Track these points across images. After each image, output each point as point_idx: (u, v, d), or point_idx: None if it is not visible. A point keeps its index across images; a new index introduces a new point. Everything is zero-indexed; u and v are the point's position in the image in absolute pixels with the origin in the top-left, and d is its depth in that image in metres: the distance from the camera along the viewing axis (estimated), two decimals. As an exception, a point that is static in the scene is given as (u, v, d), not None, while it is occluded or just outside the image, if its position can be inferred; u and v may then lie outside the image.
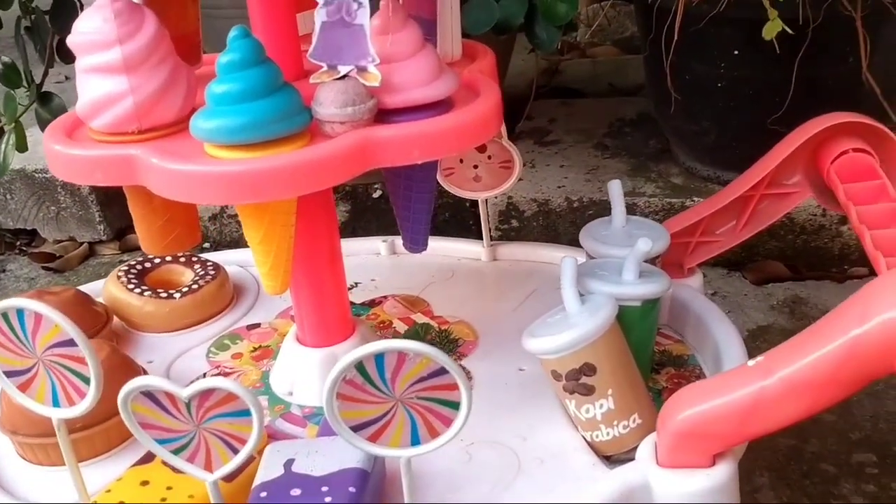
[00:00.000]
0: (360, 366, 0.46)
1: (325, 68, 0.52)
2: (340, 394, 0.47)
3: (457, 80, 0.55)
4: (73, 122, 0.57)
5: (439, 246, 0.83)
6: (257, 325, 0.75)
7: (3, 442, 0.63)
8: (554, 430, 0.60)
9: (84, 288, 0.78)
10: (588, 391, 0.57)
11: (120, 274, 0.76)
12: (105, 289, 0.76)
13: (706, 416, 0.50)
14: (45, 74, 1.05)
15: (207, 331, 0.75)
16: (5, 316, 0.49)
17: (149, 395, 0.46)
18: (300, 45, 0.60)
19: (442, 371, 0.46)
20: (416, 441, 0.48)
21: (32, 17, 1.04)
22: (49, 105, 1.01)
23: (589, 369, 0.56)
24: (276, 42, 0.57)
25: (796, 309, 1.11)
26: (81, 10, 0.66)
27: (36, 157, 1.36)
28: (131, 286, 0.74)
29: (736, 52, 1.05)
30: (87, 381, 0.50)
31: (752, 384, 0.48)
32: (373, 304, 0.77)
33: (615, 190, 0.67)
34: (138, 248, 1.41)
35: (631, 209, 1.19)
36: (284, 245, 0.55)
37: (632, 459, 0.57)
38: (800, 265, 1.17)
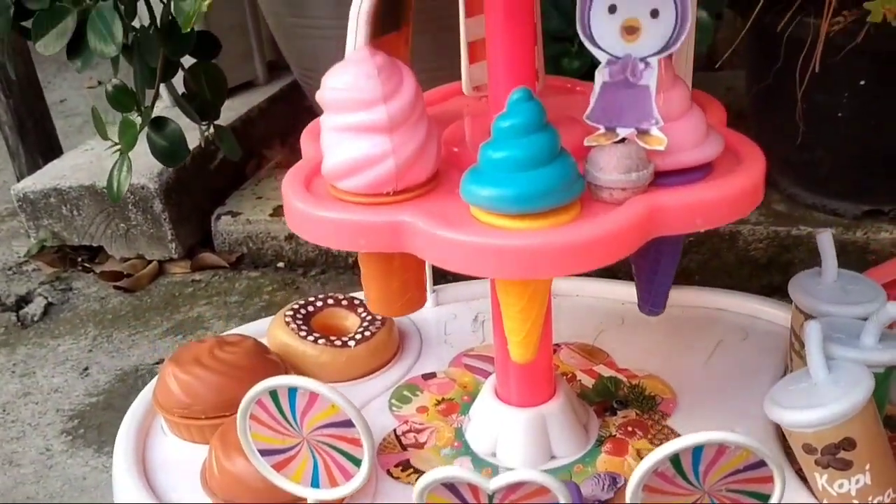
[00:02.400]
0: (675, 458, 0.44)
1: (602, 130, 0.50)
2: (648, 486, 0.44)
3: (722, 140, 0.52)
4: (307, 176, 0.54)
5: (600, 288, 0.81)
6: (433, 375, 0.73)
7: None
8: (794, 501, 0.57)
9: (246, 329, 0.75)
10: (845, 466, 0.54)
11: (288, 319, 0.73)
12: (272, 334, 0.73)
13: None
14: (156, 97, 1.01)
15: (383, 381, 0.72)
16: (273, 394, 0.46)
17: (449, 485, 0.44)
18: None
19: (760, 464, 0.44)
20: (713, 531, 0.46)
21: (136, 34, 1.00)
22: (163, 130, 0.98)
23: (849, 444, 0.54)
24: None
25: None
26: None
27: (104, 174, 1.31)
28: (303, 333, 0.71)
29: (862, 83, 1.03)
30: (357, 462, 0.47)
31: None
32: (547, 352, 0.74)
33: (826, 243, 0.65)
34: (210, 268, 1.38)
35: (734, 236, 1.17)
36: (542, 312, 0.52)
37: (883, 534, 0.55)
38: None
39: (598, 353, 0.73)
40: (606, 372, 0.71)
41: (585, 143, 0.50)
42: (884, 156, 1.05)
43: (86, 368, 1.14)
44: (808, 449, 0.55)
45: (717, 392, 0.67)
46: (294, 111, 1.63)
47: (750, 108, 1.23)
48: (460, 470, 0.43)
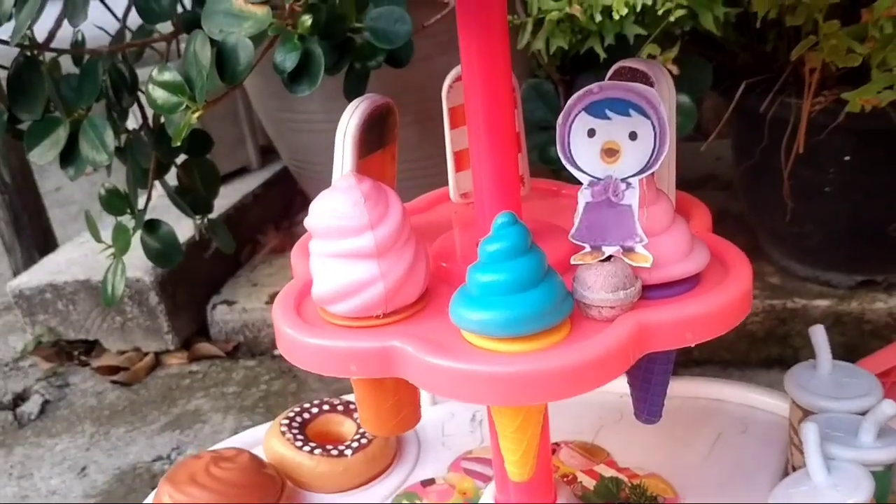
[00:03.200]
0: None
1: (587, 249, 0.50)
2: None
3: (707, 250, 0.52)
4: (297, 298, 0.54)
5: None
6: (432, 482, 0.72)
7: None
8: None
9: (239, 439, 0.74)
10: (851, 571, 0.54)
11: (283, 429, 0.72)
12: (268, 445, 0.72)
13: None
14: (149, 200, 1.02)
15: (381, 489, 0.71)
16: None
17: None
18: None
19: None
20: None
21: (129, 136, 1.01)
22: (157, 233, 0.98)
23: (853, 549, 0.53)
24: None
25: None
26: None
27: (100, 268, 1.32)
28: (299, 443, 0.71)
29: (847, 158, 1.05)
30: None
31: None
32: (546, 451, 0.74)
33: (819, 337, 0.65)
34: (207, 358, 1.38)
35: (730, 311, 1.17)
36: (537, 432, 0.52)
37: None
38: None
39: (598, 452, 0.73)
40: (607, 472, 0.71)
41: (572, 262, 0.50)
42: (872, 227, 1.06)
43: (83, 468, 1.13)
44: (814, 555, 0.55)
45: (718, 489, 0.66)
46: (287, 195, 1.65)
47: (738, 184, 1.24)
48: None
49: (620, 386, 0.78)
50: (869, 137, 1.00)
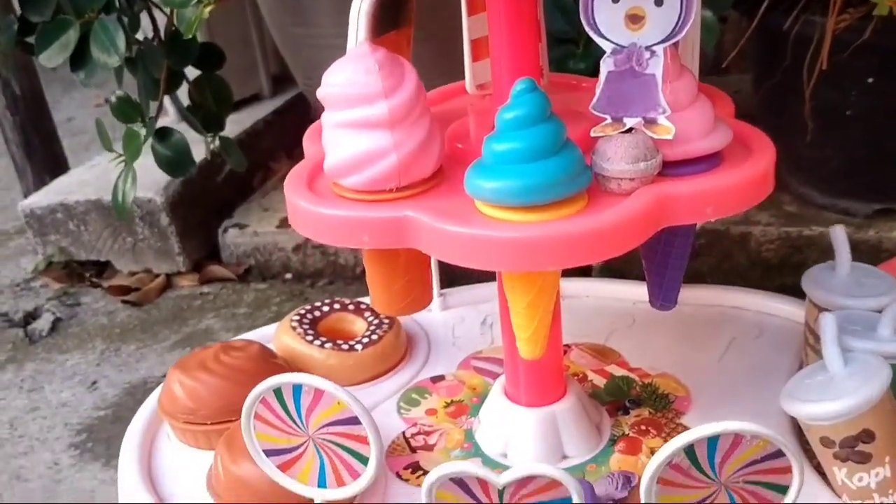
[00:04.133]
0: (689, 449, 0.43)
1: (608, 121, 0.49)
2: (662, 478, 0.43)
3: (730, 129, 0.51)
4: (309, 174, 0.53)
5: (609, 288, 0.80)
6: (441, 378, 0.72)
7: None
8: (813, 497, 0.56)
9: (252, 335, 0.74)
10: (864, 459, 0.53)
11: (294, 324, 0.72)
12: (278, 339, 0.72)
13: None
14: (160, 109, 1.01)
15: (391, 384, 0.71)
16: (278, 392, 0.46)
17: (458, 480, 0.43)
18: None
19: (778, 454, 0.43)
20: (730, 526, 0.45)
21: (140, 47, 1.00)
22: (168, 140, 0.97)
23: (867, 436, 0.53)
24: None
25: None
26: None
27: (111, 188, 1.32)
28: (309, 337, 0.70)
29: (870, 80, 1.02)
30: (364, 460, 0.46)
31: None
32: (558, 354, 0.73)
33: (839, 236, 0.64)
34: (218, 280, 1.37)
35: (745, 238, 1.16)
36: (550, 308, 0.51)
37: (904, 529, 0.54)
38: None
39: (609, 353, 0.72)
40: (618, 371, 0.70)
41: (592, 134, 0.49)
42: (893, 154, 1.04)
43: (94, 382, 1.13)
44: (826, 442, 0.54)
45: (731, 389, 0.66)
46: (300, 124, 1.62)
47: (758, 108, 1.22)
48: (470, 465, 0.42)
49: (633, 293, 0.78)
50: (893, 58, 0.98)
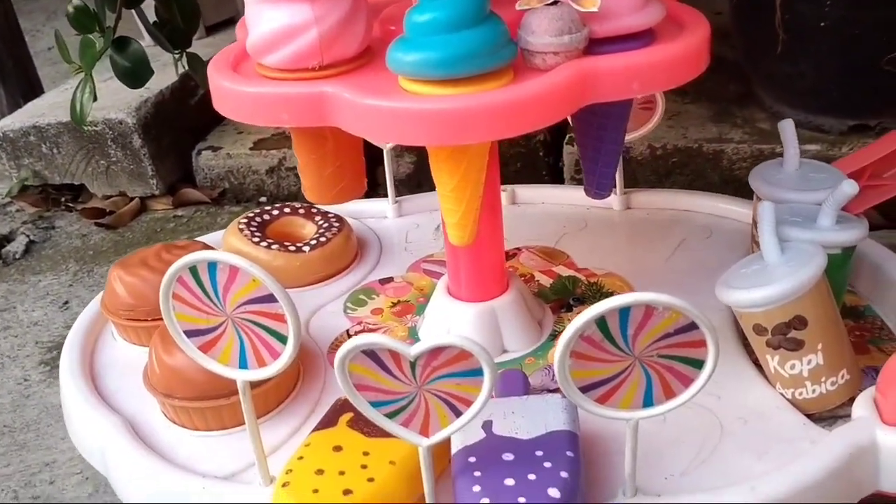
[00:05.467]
0: (601, 321, 0.42)
1: (533, -6, 0.47)
2: (575, 352, 0.43)
3: (663, 7, 0.50)
4: (235, 58, 0.52)
5: (564, 194, 0.79)
6: (390, 280, 0.71)
7: (151, 406, 0.59)
8: (748, 388, 0.56)
9: (203, 239, 0.74)
10: (796, 346, 0.53)
11: (241, 227, 0.71)
12: (226, 241, 0.71)
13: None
14: (118, 18, 0.99)
15: (339, 285, 0.70)
16: (193, 270, 0.45)
17: (370, 353, 0.42)
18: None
19: (691, 326, 0.42)
20: (648, 402, 0.44)
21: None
22: (126, 51, 0.95)
23: (799, 322, 0.52)
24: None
25: (893, 258, 1.07)
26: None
27: (85, 108, 1.30)
28: (256, 239, 0.70)
29: (844, -9, 1.00)
30: (282, 339, 0.46)
31: None
32: (507, 256, 0.73)
33: (788, 130, 0.63)
34: (192, 203, 1.37)
35: (718, 156, 1.15)
36: (477, 192, 0.50)
37: (837, 418, 0.54)
38: (893, 212, 1.13)
39: (558, 255, 0.72)
40: (565, 272, 0.70)
41: (517, 7, 0.48)
42: (867, 68, 1.02)
43: (66, 302, 1.13)
44: (759, 330, 0.54)
45: (676, 287, 0.64)
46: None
47: (733, 22, 1.20)
48: (380, 337, 0.42)
49: (586, 198, 0.77)
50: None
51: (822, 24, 1.03)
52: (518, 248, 0.74)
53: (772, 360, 0.54)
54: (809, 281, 0.52)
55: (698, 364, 0.43)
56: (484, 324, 0.61)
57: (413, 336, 0.64)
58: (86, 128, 1.34)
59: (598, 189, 0.60)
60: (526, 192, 0.80)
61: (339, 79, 0.48)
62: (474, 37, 0.45)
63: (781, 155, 1.02)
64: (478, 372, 0.42)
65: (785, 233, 0.56)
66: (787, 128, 0.63)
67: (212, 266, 0.45)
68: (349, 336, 0.65)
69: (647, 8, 0.49)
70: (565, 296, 0.67)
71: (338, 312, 0.67)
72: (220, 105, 0.50)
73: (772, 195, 0.62)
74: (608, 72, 0.46)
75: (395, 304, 0.68)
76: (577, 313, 0.64)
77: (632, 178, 1.19)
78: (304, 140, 0.54)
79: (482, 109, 0.44)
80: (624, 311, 0.42)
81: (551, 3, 0.47)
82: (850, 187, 0.55)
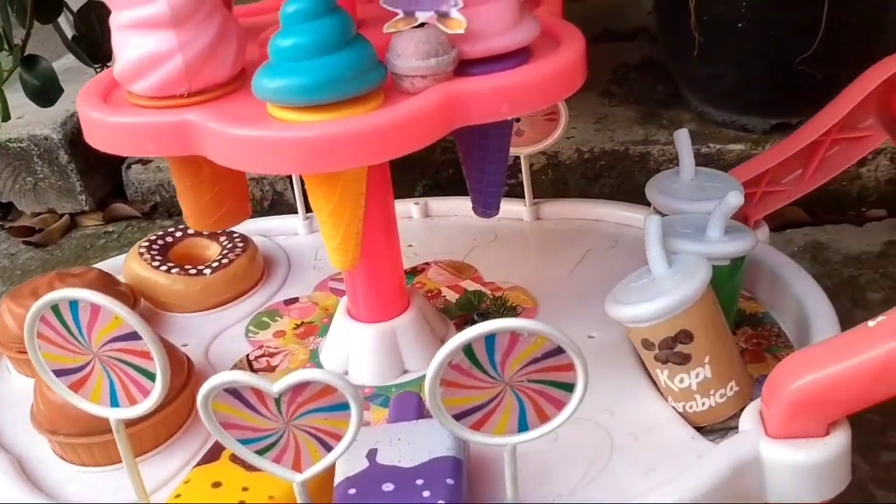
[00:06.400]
0: (468, 349, 0.42)
1: (400, 15, 0.47)
2: (445, 380, 0.42)
3: (537, 25, 0.49)
4: (107, 86, 0.51)
5: (475, 206, 0.79)
6: (295, 300, 0.70)
7: (41, 442, 0.57)
8: (640, 402, 0.56)
9: (101, 266, 0.72)
10: (683, 360, 0.53)
11: (142, 250, 0.70)
12: (126, 266, 0.70)
13: (827, 383, 0.46)
14: (28, 36, 0.97)
15: (242, 308, 0.69)
16: (55, 309, 0.44)
17: (232, 391, 0.41)
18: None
19: (558, 351, 0.42)
20: (523, 427, 0.44)
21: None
22: (35, 69, 0.94)
23: (685, 336, 0.52)
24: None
25: (818, 255, 1.09)
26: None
27: (9, 126, 1.27)
28: (156, 263, 0.68)
29: (760, -8, 1.01)
30: (151, 377, 0.45)
31: (879, 346, 0.45)
32: (415, 271, 0.72)
33: (683, 140, 0.63)
34: (123, 219, 1.34)
35: (645, 158, 1.15)
36: (356, 216, 0.49)
37: (728, 430, 0.54)
38: (817, 209, 1.15)
39: (465, 269, 0.71)
40: (472, 286, 0.69)
41: (384, 30, 0.47)
42: (785, 68, 1.03)
43: (-10, 324, 1.10)
44: (647, 344, 0.54)
45: (579, 299, 0.65)
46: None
47: (657, 25, 1.20)
48: (241, 374, 0.41)
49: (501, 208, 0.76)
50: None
51: (740, 25, 1.04)
52: (427, 263, 0.73)
53: (661, 375, 0.54)
54: (693, 295, 0.52)
55: (569, 387, 0.43)
56: (383, 345, 0.60)
57: (314, 359, 0.63)
58: (11, 144, 1.32)
59: (485, 208, 0.59)
60: (439, 204, 0.80)
61: (207, 106, 0.47)
62: (339, 61, 0.44)
63: (706, 155, 1.02)
64: (344, 406, 0.41)
65: (673, 245, 0.56)
66: (682, 137, 0.63)
67: (73, 304, 0.43)
68: (249, 362, 0.64)
69: (518, 27, 0.48)
70: (470, 311, 0.66)
71: (240, 337, 0.66)
72: (89, 136, 0.49)
73: (667, 206, 0.62)
74: (476, 94, 0.46)
75: (298, 326, 0.67)
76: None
77: (562, 181, 1.19)
78: (179, 166, 0.53)
79: (346, 136, 0.44)
80: (489, 338, 0.41)
81: (418, 26, 0.46)
82: (734, 199, 0.55)
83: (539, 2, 0.57)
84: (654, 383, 0.57)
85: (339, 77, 0.44)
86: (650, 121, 1.20)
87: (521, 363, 0.42)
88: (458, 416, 0.44)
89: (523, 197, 0.77)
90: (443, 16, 0.46)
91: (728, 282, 0.57)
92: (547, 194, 1.19)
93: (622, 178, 1.18)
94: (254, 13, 0.60)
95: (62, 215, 1.37)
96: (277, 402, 0.42)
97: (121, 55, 0.48)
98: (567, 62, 0.48)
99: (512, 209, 0.78)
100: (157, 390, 0.45)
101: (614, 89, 1.29)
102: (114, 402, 0.46)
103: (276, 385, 0.41)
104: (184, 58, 0.47)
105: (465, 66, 0.48)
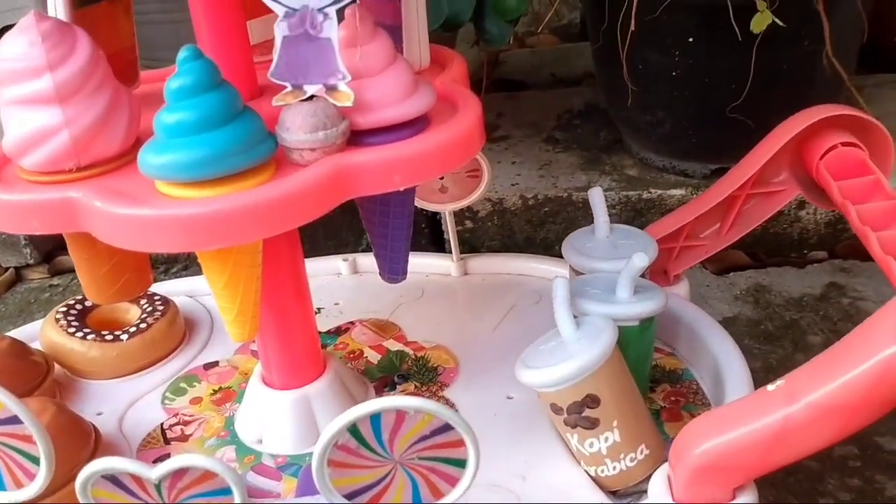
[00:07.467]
0: (353, 429, 0.41)
1: (289, 88, 0.46)
2: (332, 460, 0.42)
3: (433, 93, 0.49)
4: (1, 159, 0.50)
5: (405, 262, 0.78)
6: (215, 364, 0.69)
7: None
8: (554, 466, 0.55)
9: (18, 332, 0.71)
10: (592, 424, 0.52)
11: (58, 316, 0.69)
12: (42, 333, 0.69)
13: (728, 448, 0.46)
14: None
15: (161, 373, 0.68)
16: (-65, 394, 0.43)
17: (111, 478, 0.40)
18: (252, 57, 0.54)
19: (446, 427, 0.41)
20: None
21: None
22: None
23: (592, 401, 0.52)
24: (226, 55, 0.51)
25: (760, 297, 1.09)
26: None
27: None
28: (72, 329, 0.67)
29: (690, 40, 1.02)
30: (35, 461, 0.44)
31: (776, 411, 0.45)
32: (339, 331, 0.71)
33: (597, 198, 0.63)
34: (69, 271, 1.33)
35: (588, 204, 1.15)
36: (252, 288, 0.49)
37: (639, 493, 0.54)
38: (759, 252, 1.16)
39: (390, 328, 0.71)
40: (395, 346, 0.68)
41: (273, 104, 0.47)
42: (721, 113, 1.04)
43: (-75, 385, 1.08)
44: (556, 409, 0.53)
45: (500, 358, 0.64)
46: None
47: (596, 73, 1.21)
48: (119, 460, 0.40)
49: (427, 264, 0.76)
50: (709, 16, 0.98)
51: (674, 73, 1.05)
52: (352, 322, 0.72)
53: (572, 439, 0.54)
54: (598, 359, 0.51)
55: (461, 463, 0.42)
56: (297, 412, 0.59)
57: (229, 427, 0.62)
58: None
59: (391, 273, 0.59)
60: (367, 260, 0.79)
61: (94, 181, 0.46)
62: (224, 137, 0.44)
63: (648, 200, 1.03)
64: (227, 491, 0.40)
65: (584, 306, 0.55)
66: (596, 195, 0.63)
67: (-47, 390, 0.42)
68: (163, 431, 0.62)
69: (412, 98, 0.48)
70: (391, 373, 0.66)
71: (155, 404, 0.65)
72: (-23, 212, 0.48)
73: (581, 265, 0.62)
74: (367, 166, 0.46)
75: (216, 392, 0.66)
76: (402, 391, 0.63)
77: (508, 228, 1.19)
78: (74, 239, 0.52)
79: (231, 212, 0.43)
80: (375, 418, 0.41)
81: (306, 99, 0.46)
82: (639, 260, 0.55)
83: (444, 67, 0.57)
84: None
85: (225, 152, 0.44)
86: (593, 167, 1.21)
87: (410, 441, 0.41)
88: (350, 496, 0.43)
89: (452, 251, 0.77)
90: (331, 88, 0.46)
91: (638, 342, 0.57)
92: (493, 241, 1.19)
93: (566, 224, 1.18)
94: (164, 77, 0.60)
95: (7, 269, 1.35)
96: (159, 487, 0.40)
97: (8, 130, 0.47)
98: (462, 131, 0.48)
99: (440, 264, 0.77)
100: (41, 475, 0.44)
101: (558, 135, 1.30)
102: (0, 486, 0.45)
103: (154, 471, 0.40)
104: (70, 133, 0.46)
105: (361, 136, 0.48)
